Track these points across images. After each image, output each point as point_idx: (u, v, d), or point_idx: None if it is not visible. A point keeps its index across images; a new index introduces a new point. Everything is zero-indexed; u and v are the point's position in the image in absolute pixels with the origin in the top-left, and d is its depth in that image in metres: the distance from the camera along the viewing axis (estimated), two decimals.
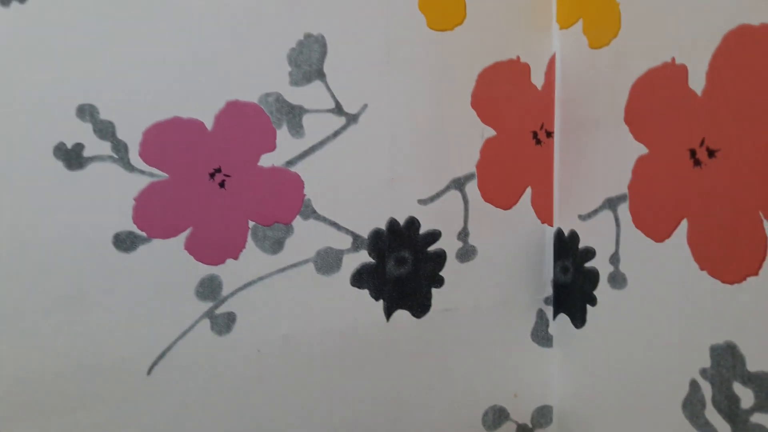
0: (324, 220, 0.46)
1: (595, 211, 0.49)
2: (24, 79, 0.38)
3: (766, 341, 0.37)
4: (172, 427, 0.44)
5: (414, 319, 0.51)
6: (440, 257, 0.51)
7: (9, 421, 0.40)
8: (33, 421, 0.41)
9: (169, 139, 0.41)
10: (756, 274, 0.37)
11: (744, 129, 0.37)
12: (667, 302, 0.43)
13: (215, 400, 0.45)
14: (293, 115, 0.44)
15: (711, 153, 0.39)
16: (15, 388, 0.40)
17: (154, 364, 0.43)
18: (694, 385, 0.42)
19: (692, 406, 0.42)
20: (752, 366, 0.38)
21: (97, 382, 0.42)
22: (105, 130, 0.40)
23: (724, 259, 0.39)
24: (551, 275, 0.55)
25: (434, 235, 0.50)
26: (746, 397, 0.38)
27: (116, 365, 0.42)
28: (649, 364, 0.45)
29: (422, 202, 0.49)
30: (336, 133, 0.46)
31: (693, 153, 0.40)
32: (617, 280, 0.48)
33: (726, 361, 0.39)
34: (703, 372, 0.41)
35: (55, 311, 0.40)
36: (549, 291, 0.55)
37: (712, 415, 0.41)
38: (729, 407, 0.39)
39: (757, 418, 0.38)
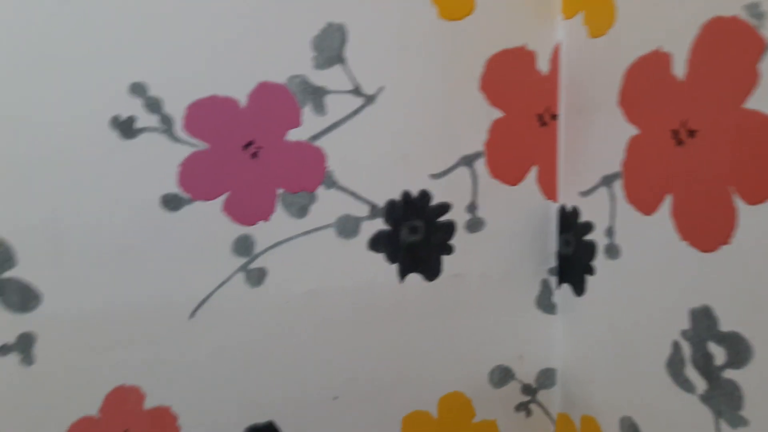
0: (344, 190, 0.52)
1: (594, 188, 0.53)
2: (85, 62, 0.45)
3: (736, 303, 0.41)
4: (210, 366, 0.51)
5: (426, 282, 0.56)
6: (450, 227, 0.55)
7: (68, 354, 0.47)
8: (88, 354, 0.48)
9: (208, 114, 0.47)
10: (728, 242, 0.40)
11: (719, 111, 0.40)
12: (653, 270, 0.47)
13: (248, 343, 0.52)
14: (317, 95, 0.50)
15: (691, 133, 0.43)
16: (74, 326, 0.47)
17: (196, 309, 0.50)
18: (676, 345, 0.46)
19: (674, 365, 0.46)
20: (725, 326, 0.41)
21: (147, 323, 0.49)
22: (154, 105, 0.46)
23: (702, 230, 0.43)
24: (555, 247, 0.59)
25: (445, 207, 0.55)
26: (719, 354, 0.42)
27: (163, 309, 0.49)
28: (639, 328, 0.49)
29: (434, 176, 0.54)
30: (355, 112, 0.51)
31: (676, 133, 0.44)
32: (612, 251, 0.52)
33: (702, 322, 0.43)
34: (684, 333, 0.45)
35: (112, 261, 0.47)
36: (553, 262, 0.59)
37: (691, 372, 0.44)
38: (705, 365, 0.43)
39: (728, 374, 0.41)
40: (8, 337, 0.46)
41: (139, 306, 0.48)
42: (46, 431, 0.48)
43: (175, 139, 0.47)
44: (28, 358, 0.46)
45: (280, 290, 0.52)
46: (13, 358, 0.46)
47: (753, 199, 0.39)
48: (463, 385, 0.59)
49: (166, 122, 0.47)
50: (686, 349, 0.45)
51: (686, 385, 0.45)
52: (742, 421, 0.41)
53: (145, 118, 0.46)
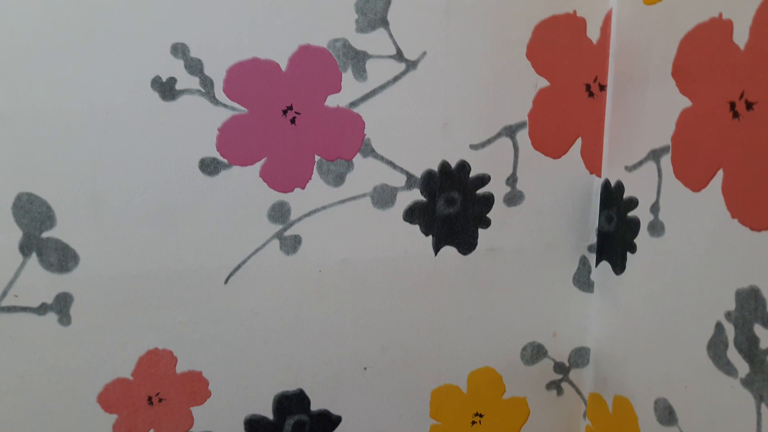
0: (381, 158, 0.51)
1: (640, 162, 0.52)
2: (128, 20, 0.44)
3: None
4: (242, 332, 0.51)
5: (460, 255, 0.55)
6: (488, 200, 0.54)
7: (103, 316, 0.48)
8: (123, 317, 0.48)
9: (248, 77, 0.46)
10: None
11: None
12: (699, 249, 0.46)
13: (281, 311, 0.51)
14: (358, 59, 0.49)
15: (749, 105, 0.41)
16: (110, 288, 0.47)
17: (231, 275, 0.50)
18: (719, 327, 0.44)
19: (716, 346, 0.45)
20: None
21: (181, 286, 0.49)
22: (194, 67, 0.46)
23: (755, 208, 0.41)
24: (596, 224, 0.58)
25: (483, 179, 0.54)
26: (765, 338, 0.41)
27: (198, 273, 0.49)
28: (680, 309, 0.48)
29: (474, 147, 0.53)
30: (396, 78, 0.50)
31: (732, 105, 0.42)
32: (656, 228, 0.50)
33: (749, 304, 0.42)
34: (728, 315, 0.43)
35: (148, 223, 0.47)
36: (593, 239, 0.58)
37: (733, 355, 0.43)
38: (749, 348, 0.42)
39: None
40: (46, 296, 0.46)
41: (175, 270, 0.48)
42: (81, 391, 0.49)
43: (215, 101, 0.46)
44: (65, 319, 0.47)
45: (314, 258, 0.51)
46: (51, 318, 0.47)
47: None
48: (494, 361, 0.58)
49: (206, 84, 0.46)
50: (730, 331, 0.43)
51: (727, 368, 0.44)
52: None
53: (185, 80, 0.46)
